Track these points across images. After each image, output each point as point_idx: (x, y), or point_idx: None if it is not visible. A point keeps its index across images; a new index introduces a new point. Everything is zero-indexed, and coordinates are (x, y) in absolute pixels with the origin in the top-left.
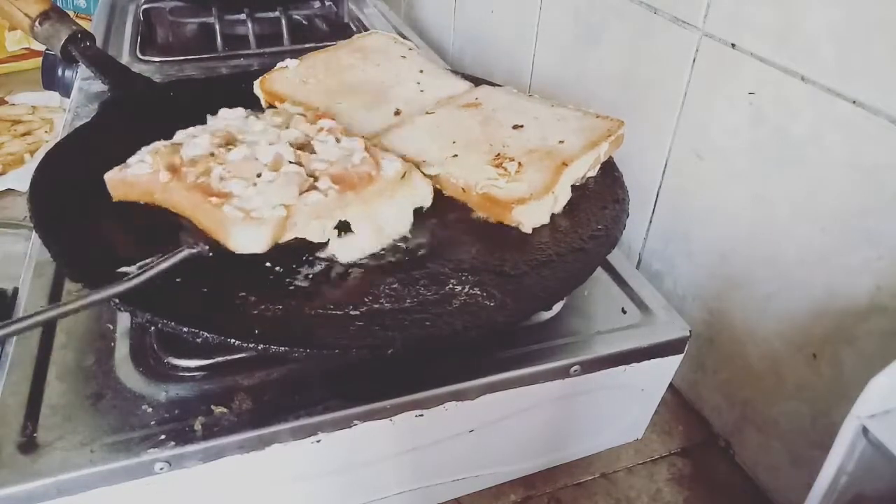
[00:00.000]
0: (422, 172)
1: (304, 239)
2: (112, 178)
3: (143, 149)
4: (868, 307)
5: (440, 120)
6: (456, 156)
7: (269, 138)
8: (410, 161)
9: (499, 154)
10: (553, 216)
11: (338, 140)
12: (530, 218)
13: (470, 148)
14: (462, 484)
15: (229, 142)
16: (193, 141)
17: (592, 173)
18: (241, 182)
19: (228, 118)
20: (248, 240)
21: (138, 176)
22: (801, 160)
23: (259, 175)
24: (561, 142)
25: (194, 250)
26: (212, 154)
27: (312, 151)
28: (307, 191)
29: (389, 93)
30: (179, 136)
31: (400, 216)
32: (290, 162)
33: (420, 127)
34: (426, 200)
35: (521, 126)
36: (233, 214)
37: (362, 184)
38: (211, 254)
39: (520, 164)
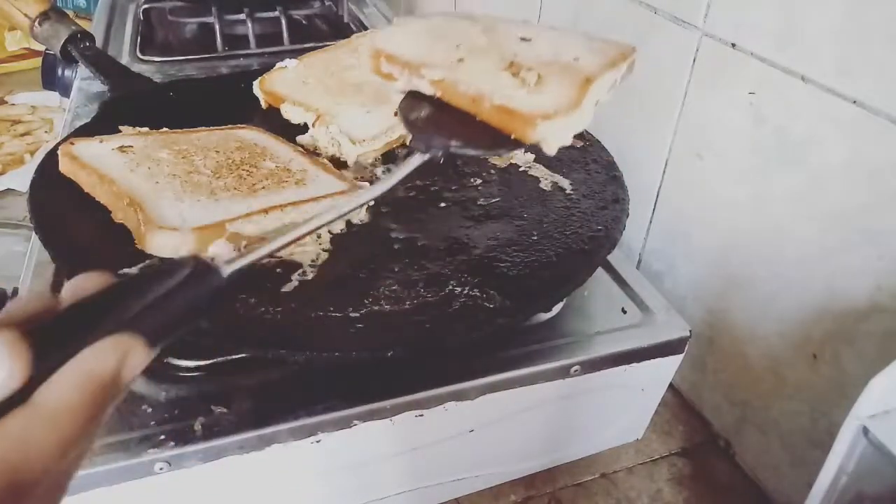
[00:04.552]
0: (424, 77)
1: None
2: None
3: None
4: (868, 307)
5: (435, 26)
6: (462, 60)
7: None
8: (408, 65)
9: (513, 62)
10: (553, 217)
11: None
12: (555, 136)
13: (477, 54)
14: (462, 484)
15: None
16: None
17: (607, 98)
18: None
19: None
20: None
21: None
22: (801, 160)
23: None
24: (576, 59)
25: (426, 156)
26: None
27: None
28: None
29: (389, 92)
30: None
31: None
32: None
33: (414, 30)
34: None
35: (530, 39)
36: None
37: None
38: (443, 160)
39: (539, 75)
